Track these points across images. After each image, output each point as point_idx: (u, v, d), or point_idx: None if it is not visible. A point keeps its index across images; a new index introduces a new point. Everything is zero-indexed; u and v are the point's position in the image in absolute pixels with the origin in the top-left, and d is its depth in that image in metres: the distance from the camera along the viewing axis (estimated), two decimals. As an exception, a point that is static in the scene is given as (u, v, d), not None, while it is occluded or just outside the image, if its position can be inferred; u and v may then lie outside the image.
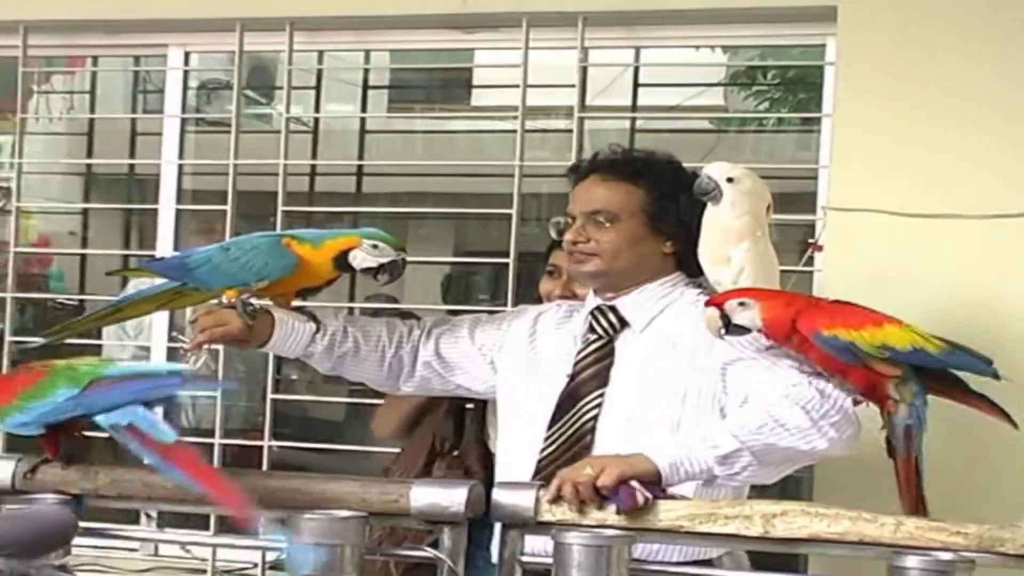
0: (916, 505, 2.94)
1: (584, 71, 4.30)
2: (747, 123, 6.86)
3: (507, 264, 4.27)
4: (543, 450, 3.03)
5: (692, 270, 3.12)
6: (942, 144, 3.81)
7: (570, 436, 3.02)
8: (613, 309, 3.11)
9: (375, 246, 3.08)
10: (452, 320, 3.32)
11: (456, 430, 3.59)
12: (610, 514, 2.68)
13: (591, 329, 3.11)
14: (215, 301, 3.11)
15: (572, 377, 3.08)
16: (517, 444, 3.12)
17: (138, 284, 3.88)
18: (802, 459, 2.89)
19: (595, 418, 3.02)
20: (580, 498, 2.68)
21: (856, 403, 2.90)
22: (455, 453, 3.58)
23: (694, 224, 3.06)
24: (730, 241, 3.04)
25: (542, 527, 2.70)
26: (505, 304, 4.14)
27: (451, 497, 2.69)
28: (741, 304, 2.90)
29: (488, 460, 3.48)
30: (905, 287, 3.75)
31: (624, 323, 3.09)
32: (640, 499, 2.65)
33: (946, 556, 2.48)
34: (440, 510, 2.69)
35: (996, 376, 2.94)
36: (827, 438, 2.81)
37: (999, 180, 3.78)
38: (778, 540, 2.62)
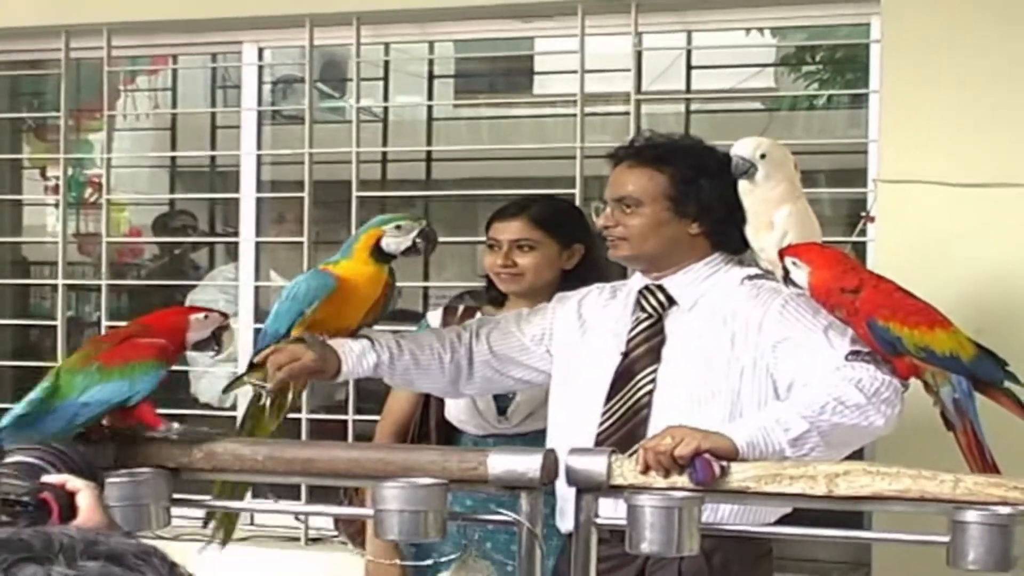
0: (987, 473, 2.90)
1: (639, 56, 4.27)
2: (798, 103, 6.80)
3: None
4: (601, 424, 3.03)
5: (732, 247, 3.11)
6: (987, 114, 3.77)
7: (626, 411, 3.02)
8: (661, 288, 3.10)
9: (398, 227, 3.07)
10: (495, 318, 3.32)
11: (422, 415, 3.61)
12: (680, 477, 2.66)
13: (640, 308, 3.10)
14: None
15: (625, 355, 3.07)
16: (571, 419, 3.11)
17: None
18: (861, 437, 2.87)
19: (650, 393, 3.01)
20: (662, 466, 2.67)
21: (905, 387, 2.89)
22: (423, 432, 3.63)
23: (718, 204, 3.05)
24: (771, 208, 3.03)
25: (614, 491, 2.69)
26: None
27: (527, 463, 2.69)
28: (794, 264, 2.89)
29: (451, 438, 3.56)
30: (954, 256, 3.72)
31: (672, 301, 3.08)
32: (717, 471, 2.63)
33: (1005, 510, 2.46)
34: (517, 476, 2.68)
35: (1016, 381, 2.93)
36: (883, 414, 2.79)
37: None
38: (842, 499, 2.60)
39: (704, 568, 2.92)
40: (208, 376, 5.16)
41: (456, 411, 3.55)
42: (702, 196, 3.07)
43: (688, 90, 5.70)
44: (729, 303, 3.03)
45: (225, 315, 3.03)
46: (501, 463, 2.70)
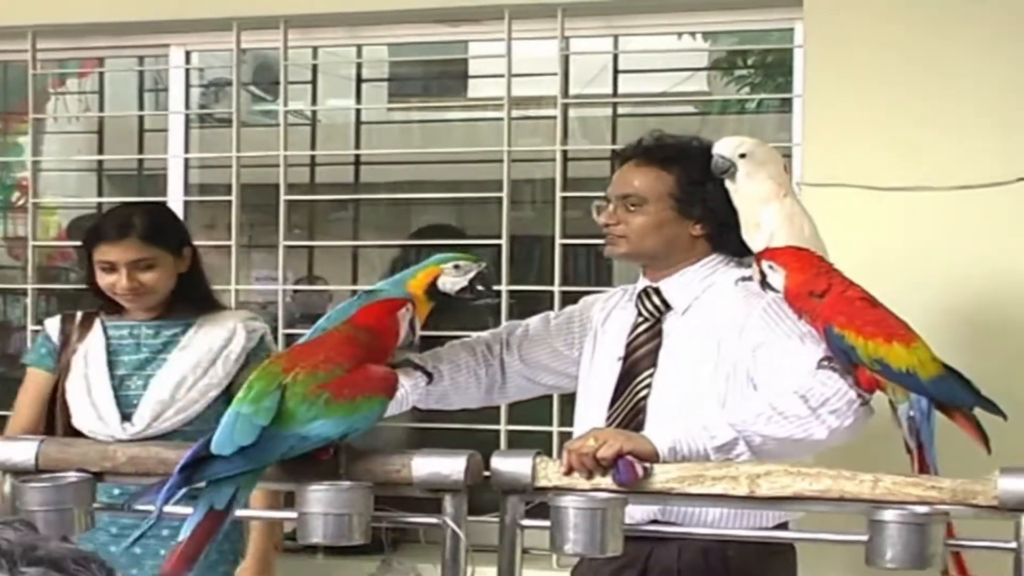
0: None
1: (566, 60, 4.28)
2: (729, 107, 6.83)
3: (499, 246, 4.25)
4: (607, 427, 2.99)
5: (731, 250, 3.08)
6: (910, 117, 3.81)
7: (625, 415, 3.00)
8: (657, 291, 3.08)
9: (456, 266, 2.99)
10: (523, 324, 3.27)
11: (48, 424, 3.56)
12: (604, 479, 2.66)
13: (639, 312, 3.09)
14: None
15: (625, 358, 3.06)
16: (586, 424, 3.07)
17: None
18: (800, 448, 2.80)
19: (645, 398, 3.00)
20: (586, 467, 2.66)
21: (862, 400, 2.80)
22: None
23: (723, 207, 3.03)
24: (756, 207, 3.00)
25: (539, 492, 2.69)
26: (500, 283, 4.13)
27: (451, 466, 2.67)
28: (771, 267, 2.85)
29: None
30: (878, 259, 3.73)
31: (668, 305, 3.06)
32: (640, 472, 2.63)
33: (922, 509, 2.47)
34: (441, 479, 2.67)
35: (997, 411, 2.83)
36: (827, 427, 2.74)
37: (964, 152, 3.77)
38: (763, 499, 2.60)
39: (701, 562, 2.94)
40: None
41: (83, 420, 3.49)
42: (707, 199, 3.04)
43: (615, 94, 5.72)
44: (721, 306, 3.00)
45: (412, 301, 2.91)
46: (425, 466, 2.69)
